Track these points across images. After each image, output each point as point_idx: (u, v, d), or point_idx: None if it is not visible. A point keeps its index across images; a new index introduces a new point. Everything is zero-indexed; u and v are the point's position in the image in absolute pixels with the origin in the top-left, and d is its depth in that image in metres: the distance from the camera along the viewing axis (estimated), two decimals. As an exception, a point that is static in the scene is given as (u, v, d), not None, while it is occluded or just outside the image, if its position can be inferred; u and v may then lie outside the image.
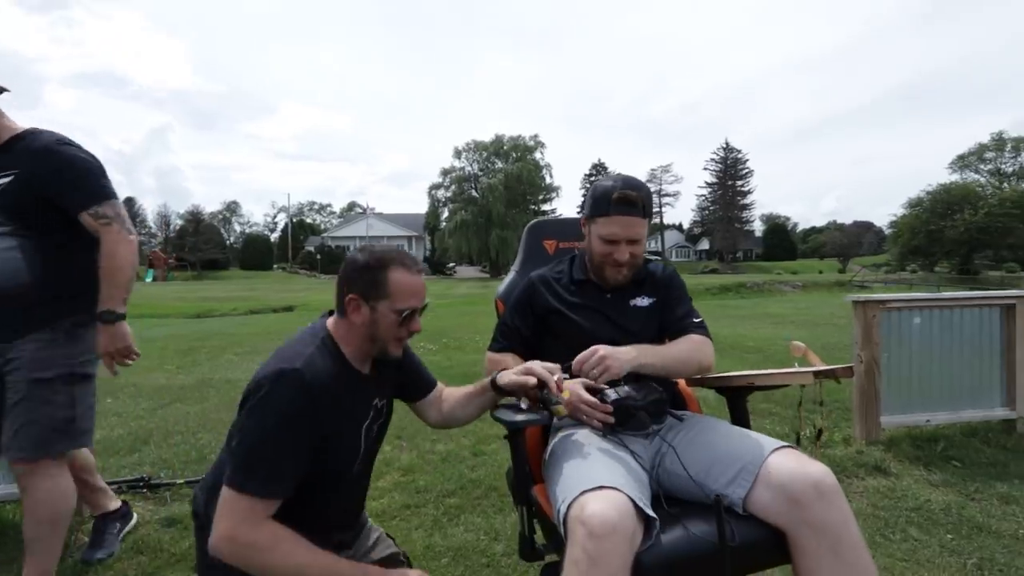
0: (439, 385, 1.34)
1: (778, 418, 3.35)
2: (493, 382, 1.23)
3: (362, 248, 1.09)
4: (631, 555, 0.88)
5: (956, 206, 35.19)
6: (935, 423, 2.88)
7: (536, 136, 43.02)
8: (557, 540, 1.10)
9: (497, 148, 42.63)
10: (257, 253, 51.96)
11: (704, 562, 0.93)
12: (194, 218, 52.03)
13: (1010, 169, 48.68)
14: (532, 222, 1.75)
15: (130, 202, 53.97)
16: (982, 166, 48.89)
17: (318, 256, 45.69)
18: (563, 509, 0.95)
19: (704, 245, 59.30)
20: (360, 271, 1.06)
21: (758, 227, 62.71)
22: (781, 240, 59.53)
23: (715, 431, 1.16)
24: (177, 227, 53.79)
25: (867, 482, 2.39)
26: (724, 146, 52.65)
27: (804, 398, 1.22)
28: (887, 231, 45.31)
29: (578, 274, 1.41)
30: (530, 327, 1.41)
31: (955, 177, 46.49)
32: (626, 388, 1.18)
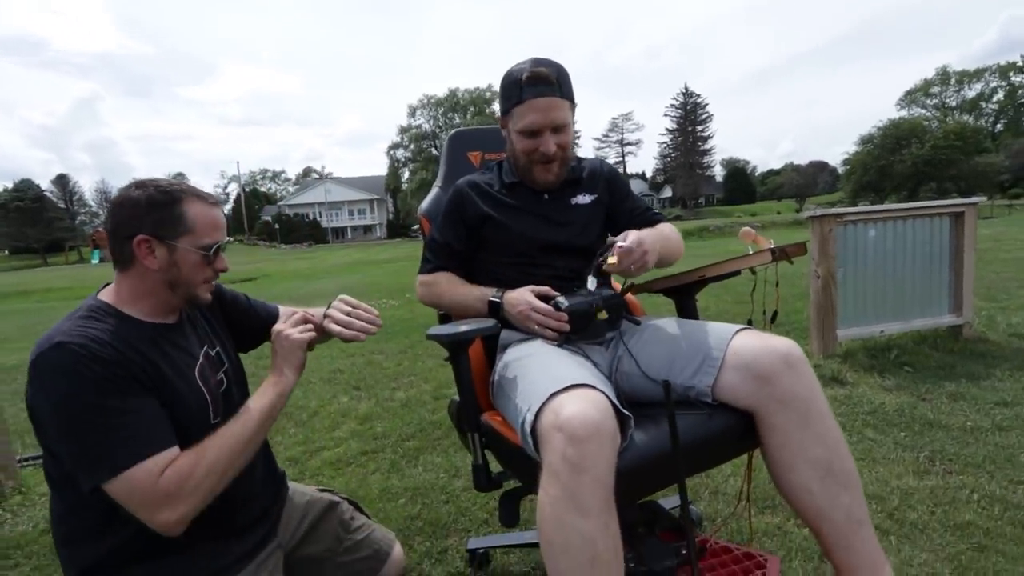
0: (281, 309, 1.18)
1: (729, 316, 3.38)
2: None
3: (136, 184, 0.90)
4: (615, 458, 0.79)
5: (905, 141, 36.32)
6: (888, 333, 2.94)
7: (491, 87, 41.57)
8: (516, 465, 1.01)
9: (453, 103, 41.17)
10: (210, 226, 49.69)
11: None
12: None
13: (954, 103, 50.40)
14: (453, 131, 1.57)
15: (63, 179, 50.08)
16: (928, 101, 50.44)
17: (276, 226, 43.99)
18: (530, 419, 0.83)
19: (667, 193, 59.69)
20: (146, 208, 0.87)
21: (719, 172, 63.48)
22: (741, 184, 60.51)
23: (670, 327, 1.08)
24: (118, 203, 50.74)
25: (825, 392, 2.41)
26: (684, 91, 52.12)
27: (757, 283, 1.14)
28: (841, 169, 46.56)
29: (508, 177, 1.24)
30: (462, 240, 1.24)
31: (904, 113, 47.92)
32: (577, 294, 1.07)
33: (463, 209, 1.23)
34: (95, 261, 37.37)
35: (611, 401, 0.82)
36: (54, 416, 0.80)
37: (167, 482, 0.80)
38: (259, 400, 0.93)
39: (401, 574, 1.32)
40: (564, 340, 1.07)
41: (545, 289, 1.11)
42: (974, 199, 2.99)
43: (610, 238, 1.04)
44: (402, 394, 2.84)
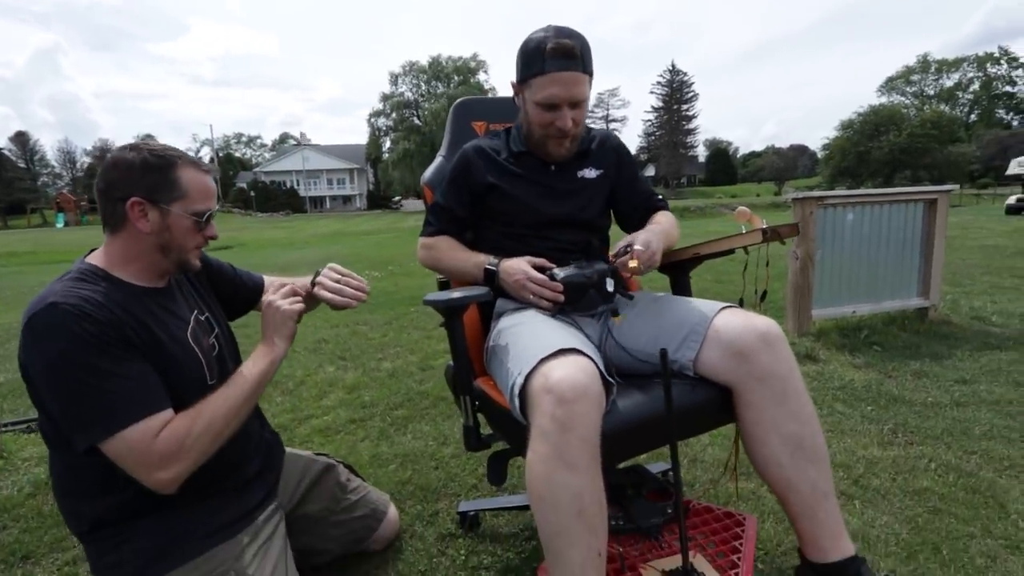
0: (266, 279, 1.20)
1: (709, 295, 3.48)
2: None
3: (131, 146, 0.90)
4: (600, 420, 0.83)
5: (883, 127, 36.88)
6: (860, 313, 3.06)
7: (476, 56, 40.55)
8: (505, 428, 1.05)
9: (437, 71, 40.02)
10: (182, 192, 47.98)
11: (659, 425, 0.89)
12: (103, 154, 46.85)
13: (932, 91, 51.16)
14: (458, 101, 1.56)
15: (22, 137, 47.46)
16: (908, 88, 51.08)
17: (252, 193, 42.74)
18: (520, 382, 0.87)
19: (650, 172, 59.82)
20: (141, 171, 0.87)
21: (702, 152, 63.71)
22: (723, 165, 60.89)
23: (661, 302, 1.12)
24: (84, 165, 48.43)
25: (799, 369, 2.52)
26: (670, 68, 51.78)
27: (749, 262, 1.18)
28: (820, 154, 47.20)
29: (516, 146, 1.23)
30: (466, 206, 1.24)
31: (884, 99, 48.51)
32: (572, 267, 1.10)
33: (468, 175, 1.23)
34: (59, 225, 35.87)
35: (597, 367, 0.86)
36: (48, 375, 0.81)
37: (163, 443, 0.82)
38: (251, 366, 0.95)
39: (396, 533, 1.37)
40: (558, 311, 1.10)
41: (541, 261, 1.13)
42: (947, 187, 3.09)
43: (625, 241, 1.06)
44: (388, 364, 2.86)
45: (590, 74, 1.11)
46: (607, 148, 1.28)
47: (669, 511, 1.00)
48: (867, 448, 1.77)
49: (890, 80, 51.41)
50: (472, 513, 1.44)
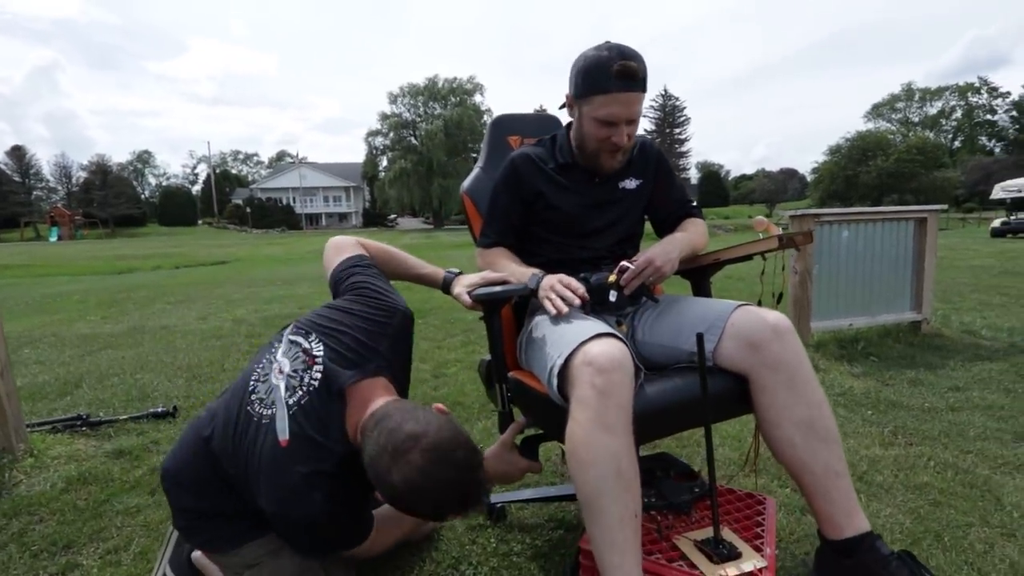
0: None
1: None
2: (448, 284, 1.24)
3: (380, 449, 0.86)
4: (632, 392, 0.91)
5: (870, 152, 37.82)
6: (856, 326, 3.19)
7: (473, 78, 41.48)
8: (539, 412, 1.13)
9: (433, 92, 40.78)
10: (178, 207, 47.94)
11: (685, 409, 0.98)
12: (100, 169, 46.96)
13: (916, 118, 52.67)
14: (496, 116, 1.68)
15: (18, 151, 47.41)
16: (893, 115, 52.59)
17: (247, 209, 42.82)
18: (559, 363, 0.95)
19: (644, 193, 60.55)
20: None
21: (694, 175, 64.78)
22: (715, 187, 61.88)
23: (683, 302, 1.21)
24: (80, 180, 48.31)
25: (800, 377, 2.63)
26: (663, 93, 52.99)
27: (766, 268, 1.28)
28: (810, 177, 48.18)
29: (562, 157, 1.28)
30: (519, 214, 1.30)
31: (870, 125, 49.86)
32: (614, 276, 1.17)
33: (520, 182, 1.28)
34: (53, 239, 35.70)
35: (628, 349, 0.94)
36: None
37: None
38: None
39: (437, 526, 1.44)
40: (588, 311, 1.18)
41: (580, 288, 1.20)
42: (936, 207, 3.25)
43: (622, 264, 1.14)
44: (402, 372, 2.93)
45: (646, 92, 1.16)
46: (648, 157, 1.34)
47: (696, 490, 1.08)
48: (869, 448, 1.87)
49: (876, 107, 52.97)
50: (499, 505, 1.51)
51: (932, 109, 52.76)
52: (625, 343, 0.95)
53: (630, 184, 1.31)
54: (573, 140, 1.28)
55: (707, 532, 0.97)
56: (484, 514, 1.52)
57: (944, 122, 52.83)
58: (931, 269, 3.25)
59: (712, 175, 66.14)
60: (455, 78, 41.11)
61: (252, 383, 1.01)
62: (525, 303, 1.34)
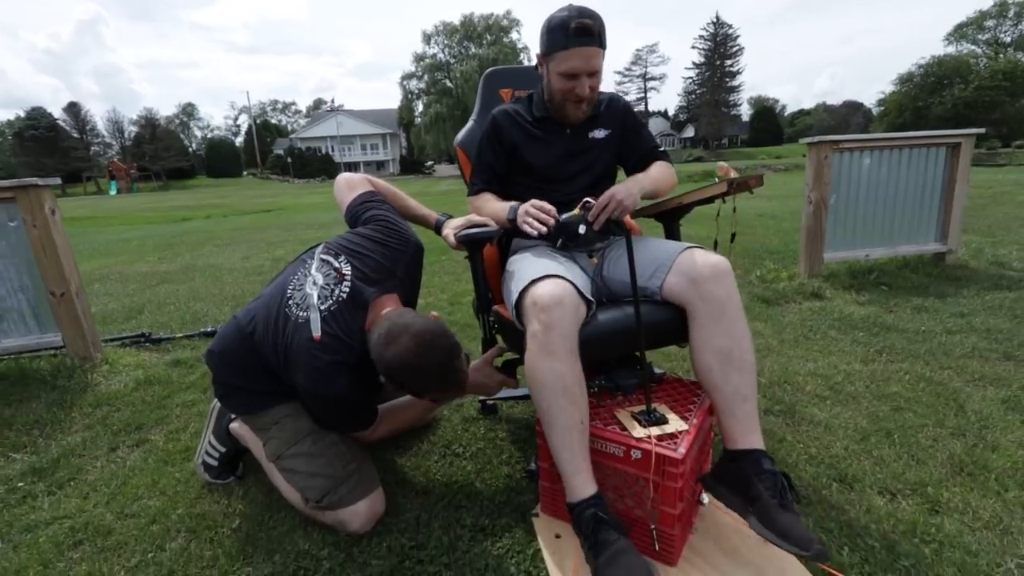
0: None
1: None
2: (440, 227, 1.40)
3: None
4: (577, 324, 1.07)
5: (947, 80, 34.17)
6: (873, 257, 3.14)
7: (510, 13, 39.41)
8: (513, 341, 1.28)
9: (469, 30, 39.21)
10: (223, 159, 49.42)
11: (627, 334, 1.12)
12: (149, 123, 48.65)
13: (1008, 38, 46.51)
14: (488, 70, 1.75)
15: (75, 108, 49.60)
16: (980, 36, 46.57)
17: (288, 159, 43.73)
18: (514, 298, 1.13)
19: (689, 132, 57.67)
20: None
21: (746, 111, 60.75)
22: (768, 124, 57.85)
23: (645, 242, 1.32)
24: (132, 134, 50.36)
25: (802, 304, 2.68)
26: (714, 20, 49.00)
27: (723, 210, 1.37)
28: (876, 111, 44.23)
29: (538, 111, 1.42)
30: (501, 164, 1.45)
31: (951, 49, 44.57)
32: (579, 211, 1.25)
33: (500, 135, 1.44)
34: (112, 192, 37.88)
35: (575, 287, 1.09)
36: None
37: None
38: None
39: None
40: (560, 247, 1.28)
41: (550, 208, 1.30)
42: (972, 130, 3.07)
43: (586, 200, 1.22)
44: (422, 301, 3.16)
45: (605, 48, 1.29)
46: (615, 110, 1.45)
47: (640, 374, 1.23)
48: (849, 364, 1.95)
49: (960, 27, 47.00)
50: (491, 402, 1.72)
51: (1028, 26, 46.43)
52: (569, 281, 1.09)
53: (599, 134, 1.43)
54: (545, 95, 1.40)
55: (644, 407, 1.12)
56: (478, 410, 1.74)
57: (1041, 41, 46.55)
58: (962, 198, 3.12)
59: (765, 111, 61.58)
60: (491, 14, 39.32)
61: (289, 291, 1.24)
62: (510, 244, 1.49)
